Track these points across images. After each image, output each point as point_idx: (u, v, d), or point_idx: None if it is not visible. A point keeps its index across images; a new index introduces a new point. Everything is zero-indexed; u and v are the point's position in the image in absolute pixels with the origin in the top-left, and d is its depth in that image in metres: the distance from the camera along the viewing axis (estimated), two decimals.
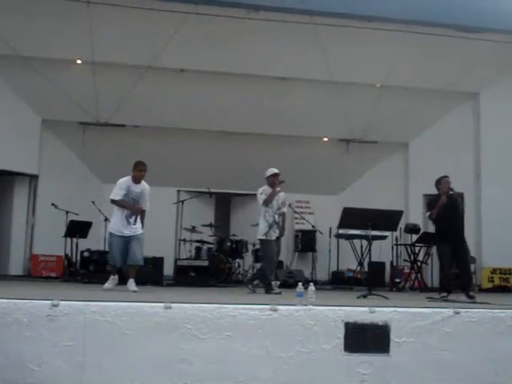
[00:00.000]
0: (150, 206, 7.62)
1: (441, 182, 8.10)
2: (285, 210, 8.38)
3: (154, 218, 7.99)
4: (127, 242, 7.37)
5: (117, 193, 7.39)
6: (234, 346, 4.83)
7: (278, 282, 8.27)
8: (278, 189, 8.17)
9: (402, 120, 12.35)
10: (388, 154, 13.51)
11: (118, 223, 7.45)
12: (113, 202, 7.45)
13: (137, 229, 7.43)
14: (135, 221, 7.41)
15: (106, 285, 7.42)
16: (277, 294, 7.72)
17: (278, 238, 8.23)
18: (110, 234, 7.54)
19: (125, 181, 7.45)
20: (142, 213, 7.52)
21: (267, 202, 8.02)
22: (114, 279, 7.51)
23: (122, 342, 4.71)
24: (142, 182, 7.54)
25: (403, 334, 5.10)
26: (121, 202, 7.39)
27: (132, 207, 7.38)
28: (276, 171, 8.25)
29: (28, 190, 12.59)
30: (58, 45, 10.50)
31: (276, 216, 8.16)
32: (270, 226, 8.10)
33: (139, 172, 7.43)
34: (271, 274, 8.09)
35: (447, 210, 7.85)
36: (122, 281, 7.58)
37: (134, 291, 7.07)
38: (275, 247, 8.15)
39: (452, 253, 7.78)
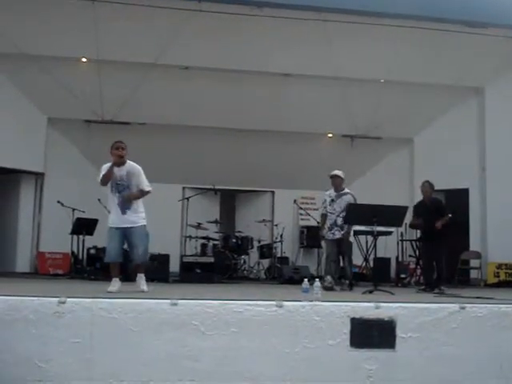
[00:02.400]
0: (149, 185, 6.66)
1: (421, 188, 8.75)
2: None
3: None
4: (125, 235, 6.55)
5: (99, 176, 6.57)
6: (240, 342, 4.86)
7: (330, 277, 8.06)
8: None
9: (407, 115, 12.33)
10: (393, 150, 13.49)
11: (112, 214, 6.62)
12: (101, 183, 6.58)
13: (135, 220, 6.57)
14: (129, 209, 6.52)
15: (111, 288, 6.32)
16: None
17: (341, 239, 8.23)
18: (108, 228, 6.67)
19: (106, 164, 6.61)
20: (140, 194, 6.61)
21: None
22: (117, 281, 6.47)
23: (129, 339, 4.74)
24: (128, 162, 6.64)
25: (409, 329, 5.12)
26: (104, 174, 6.50)
27: (110, 172, 6.47)
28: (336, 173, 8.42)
29: (34, 187, 12.62)
30: (63, 43, 10.50)
31: (338, 219, 8.22)
32: (330, 228, 8.25)
33: (116, 150, 6.52)
34: (328, 273, 8.11)
35: (426, 214, 8.43)
36: (125, 278, 7.08)
37: (143, 291, 6.40)
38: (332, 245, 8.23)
39: (429, 252, 8.58)
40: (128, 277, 7.31)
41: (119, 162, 6.53)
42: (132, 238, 6.55)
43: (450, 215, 8.44)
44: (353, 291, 7.91)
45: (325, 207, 8.40)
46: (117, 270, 6.60)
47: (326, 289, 7.60)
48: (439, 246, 8.42)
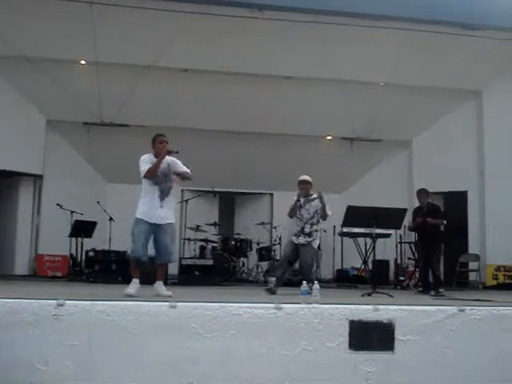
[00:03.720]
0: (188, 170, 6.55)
1: (417, 195, 8.97)
2: (329, 213, 8.05)
3: None
4: (154, 231, 6.25)
5: (143, 167, 6.28)
6: (239, 344, 4.85)
7: (274, 279, 7.82)
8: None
9: (406, 118, 12.37)
10: (391, 152, 13.52)
11: (146, 206, 6.27)
12: (145, 176, 6.29)
13: (168, 216, 6.34)
14: (166, 203, 6.31)
15: (129, 290, 5.93)
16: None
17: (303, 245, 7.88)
18: (136, 219, 6.26)
19: (147, 156, 6.40)
20: (185, 177, 6.53)
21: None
22: (136, 283, 6.10)
23: (128, 342, 4.73)
24: (172, 158, 6.51)
25: (408, 331, 5.11)
26: (151, 168, 6.26)
27: (157, 166, 6.25)
28: (306, 178, 8.13)
29: (33, 190, 12.63)
30: (61, 45, 10.51)
31: (307, 226, 7.92)
32: (297, 235, 7.92)
33: (160, 144, 6.36)
34: (275, 274, 7.95)
35: (423, 217, 8.62)
36: (126, 281, 6.74)
37: (169, 296, 5.91)
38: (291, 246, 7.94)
39: (425, 255, 8.74)
40: (129, 279, 6.73)
41: (164, 155, 6.33)
42: (163, 235, 6.25)
43: (444, 222, 8.71)
44: (347, 293, 7.85)
45: (297, 206, 7.96)
46: (138, 270, 6.22)
47: (268, 291, 7.46)
48: (434, 248, 8.55)
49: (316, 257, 8.35)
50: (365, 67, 11.15)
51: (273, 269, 8.06)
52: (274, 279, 7.78)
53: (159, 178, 6.34)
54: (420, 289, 8.84)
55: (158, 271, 6.40)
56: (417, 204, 9.09)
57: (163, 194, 6.34)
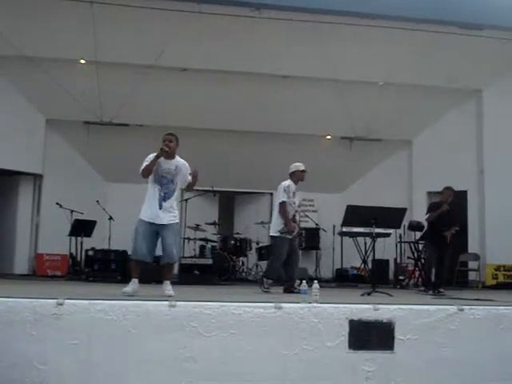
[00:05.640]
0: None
1: (443, 192, 8.80)
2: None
3: None
4: (158, 232, 6.17)
5: (143, 164, 6.21)
6: (239, 343, 4.85)
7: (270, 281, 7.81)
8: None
9: (405, 118, 12.36)
10: (391, 152, 13.52)
11: (149, 207, 6.19)
12: (141, 173, 6.21)
13: (171, 217, 6.21)
14: (167, 204, 6.19)
15: (127, 288, 5.97)
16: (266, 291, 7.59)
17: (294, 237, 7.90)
18: (139, 220, 6.20)
19: (151, 155, 6.23)
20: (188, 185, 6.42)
21: None
22: (135, 282, 6.10)
23: (127, 341, 4.74)
24: (177, 157, 6.37)
25: (407, 331, 5.12)
26: (147, 165, 6.16)
27: (152, 164, 6.13)
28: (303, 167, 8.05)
29: (33, 189, 12.63)
30: (61, 44, 10.52)
31: (296, 214, 8.02)
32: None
33: (163, 143, 6.22)
34: (275, 275, 7.84)
35: (442, 217, 8.50)
36: (124, 280, 7.04)
37: (169, 296, 5.84)
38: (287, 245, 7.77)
39: (437, 253, 8.57)
40: (129, 278, 6.66)
41: (165, 155, 6.19)
42: (166, 236, 6.15)
43: (457, 228, 8.62)
44: (347, 293, 7.86)
45: (289, 197, 7.82)
46: (139, 269, 6.22)
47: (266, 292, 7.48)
48: (447, 249, 8.54)
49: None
50: (364, 66, 11.15)
51: (268, 271, 8.02)
52: (270, 281, 7.79)
53: (164, 179, 6.23)
54: (422, 288, 8.81)
55: (163, 271, 6.35)
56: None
57: (165, 196, 6.22)
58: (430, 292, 8.28)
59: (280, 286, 7.90)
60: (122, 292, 5.83)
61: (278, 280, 7.89)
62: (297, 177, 7.99)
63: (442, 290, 8.24)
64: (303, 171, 8.03)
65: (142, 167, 6.20)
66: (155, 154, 6.18)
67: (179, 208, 12.10)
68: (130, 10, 9.78)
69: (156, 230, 6.17)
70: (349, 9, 10.07)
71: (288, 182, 7.94)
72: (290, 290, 7.67)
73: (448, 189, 8.72)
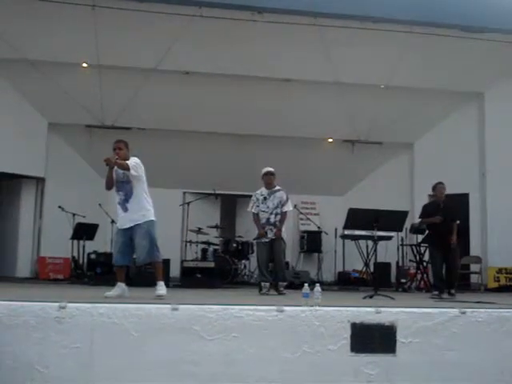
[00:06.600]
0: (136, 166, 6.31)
1: (436, 188, 8.61)
2: (285, 209, 8.23)
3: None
4: (130, 236, 6.26)
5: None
6: (241, 346, 4.85)
7: (268, 284, 8.04)
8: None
9: (407, 120, 12.36)
10: (393, 155, 13.52)
11: (118, 215, 6.38)
12: (106, 187, 6.45)
13: (138, 217, 6.24)
14: (130, 206, 6.23)
15: (109, 292, 6.09)
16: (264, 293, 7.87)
17: (274, 240, 8.11)
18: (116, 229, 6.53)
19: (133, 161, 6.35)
20: (125, 165, 6.23)
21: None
22: (119, 286, 6.26)
23: (130, 344, 4.74)
24: (131, 158, 6.41)
25: (409, 334, 5.12)
26: (105, 182, 6.38)
27: (108, 177, 6.33)
28: (270, 170, 8.33)
29: (35, 192, 12.64)
30: (63, 48, 10.55)
31: (272, 216, 8.13)
32: (262, 227, 8.12)
33: (114, 151, 6.34)
34: (262, 275, 8.10)
35: (439, 215, 8.33)
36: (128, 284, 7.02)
37: (158, 296, 5.99)
38: (264, 249, 8.10)
39: (442, 255, 8.33)
40: (132, 282, 7.17)
41: (112, 165, 6.26)
42: (134, 237, 6.23)
43: (458, 222, 8.45)
44: (349, 296, 7.89)
45: (257, 206, 8.20)
46: (121, 274, 6.38)
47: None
48: (450, 247, 8.29)
49: (284, 251, 8.56)
50: (366, 70, 11.17)
51: (258, 275, 8.35)
52: (268, 284, 8.02)
53: (120, 184, 6.35)
54: (436, 292, 8.23)
55: (154, 272, 6.51)
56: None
57: (126, 197, 6.31)
58: (445, 295, 8.04)
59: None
60: (104, 296, 5.86)
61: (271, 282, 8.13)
62: (264, 181, 8.35)
63: (453, 291, 8.07)
64: (265, 174, 8.33)
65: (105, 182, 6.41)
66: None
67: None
68: (132, 13, 9.81)
69: (129, 235, 6.28)
70: (350, 12, 10.09)
71: (258, 191, 8.33)
72: (277, 290, 8.01)
73: (440, 183, 8.59)
